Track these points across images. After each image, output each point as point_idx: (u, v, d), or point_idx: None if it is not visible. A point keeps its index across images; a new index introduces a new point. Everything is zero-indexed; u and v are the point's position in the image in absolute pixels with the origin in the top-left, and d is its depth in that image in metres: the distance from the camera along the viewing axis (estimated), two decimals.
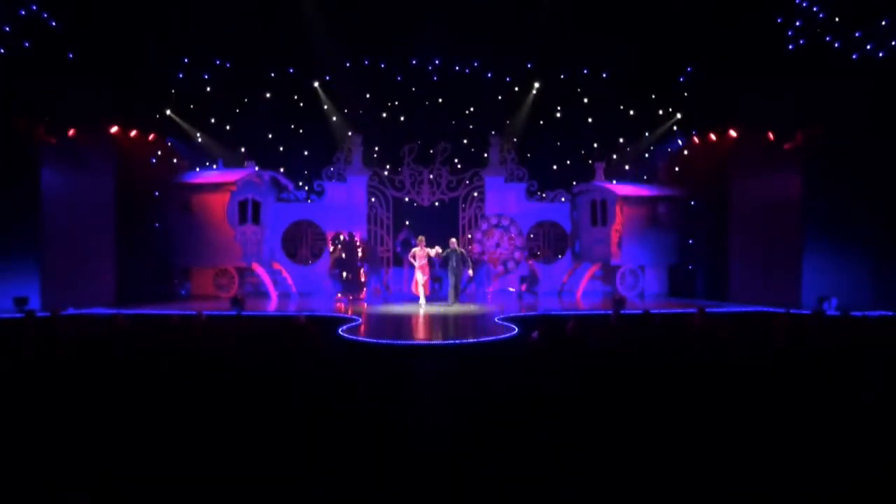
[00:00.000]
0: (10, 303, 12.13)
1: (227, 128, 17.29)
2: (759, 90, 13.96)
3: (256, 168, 16.98)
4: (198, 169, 17.13)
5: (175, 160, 16.61)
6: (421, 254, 14.61)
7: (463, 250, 15.06)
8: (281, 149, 17.94)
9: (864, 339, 7.45)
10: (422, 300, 14.41)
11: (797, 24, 13.12)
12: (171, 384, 5.34)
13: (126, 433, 4.35)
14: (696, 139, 16.64)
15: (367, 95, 17.89)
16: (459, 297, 14.91)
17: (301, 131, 18.07)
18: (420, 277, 14.52)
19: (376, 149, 18.63)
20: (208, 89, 16.77)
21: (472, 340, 9.37)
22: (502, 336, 9.75)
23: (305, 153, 18.18)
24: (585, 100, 17.77)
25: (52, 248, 13.16)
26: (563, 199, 18.77)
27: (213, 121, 17.29)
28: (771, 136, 14.05)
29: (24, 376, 5.63)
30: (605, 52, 16.36)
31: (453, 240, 15.06)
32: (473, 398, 6.04)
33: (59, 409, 4.70)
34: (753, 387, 5.32)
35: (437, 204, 18.76)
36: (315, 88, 17.66)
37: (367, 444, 4.57)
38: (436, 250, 14.70)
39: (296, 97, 17.65)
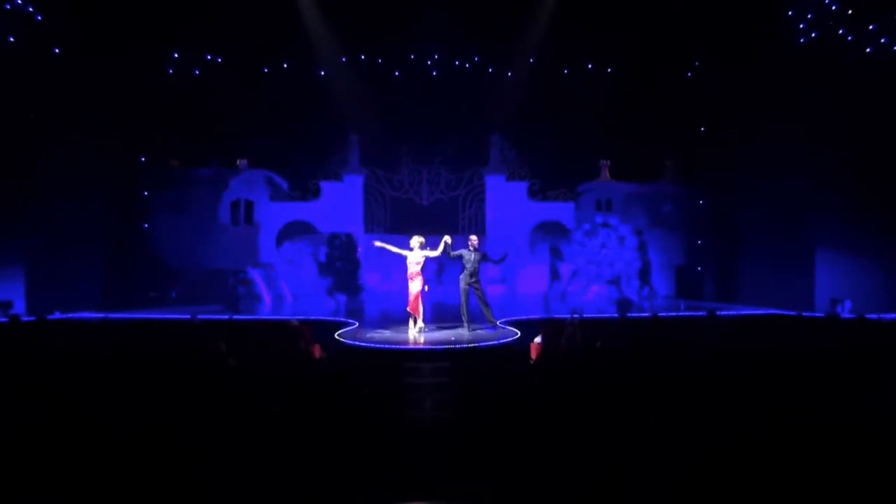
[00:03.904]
0: None
1: (219, 125, 17.24)
2: (770, 85, 13.95)
3: (249, 167, 16.96)
4: (189, 168, 17.13)
5: (165, 159, 16.60)
6: (414, 258, 10.70)
7: (485, 252, 11.36)
8: (275, 147, 17.91)
9: (880, 343, 7.42)
10: (415, 322, 10.73)
11: (808, 16, 13.10)
12: (163, 389, 5.32)
13: (114, 440, 4.34)
14: (704, 136, 16.63)
15: (364, 92, 17.85)
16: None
17: (296, 129, 18.03)
18: (413, 290, 10.66)
19: (374, 146, 18.62)
20: (199, 85, 16.74)
21: (472, 345, 9.34)
22: (503, 340, 9.72)
23: (300, 152, 18.14)
24: (590, 95, 17.72)
25: (37, 251, 13.13)
26: (566, 199, 18.74)
27: (204, 118, 17.25)
28: (782, 132, 14.04)
29: (9, 382, 5.60)
30: (611, 47, 16.34)
31: (474, 237, 11.29)
32: (472, 404, 6.02)
33: (45, 415, 4.67)
34: (765, 392, 5.30)
35: (436, 203, 18.77)
36: (310, 85, 17.62)
37: (360, 451, 4.55)
38: (444, 241, 10.78)
39: (290, 94, 17.60)
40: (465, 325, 10.81)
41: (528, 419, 4.95)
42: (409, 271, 10.72)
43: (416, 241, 10.79)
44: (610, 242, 17.45)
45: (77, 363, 6.31)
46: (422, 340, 9.98)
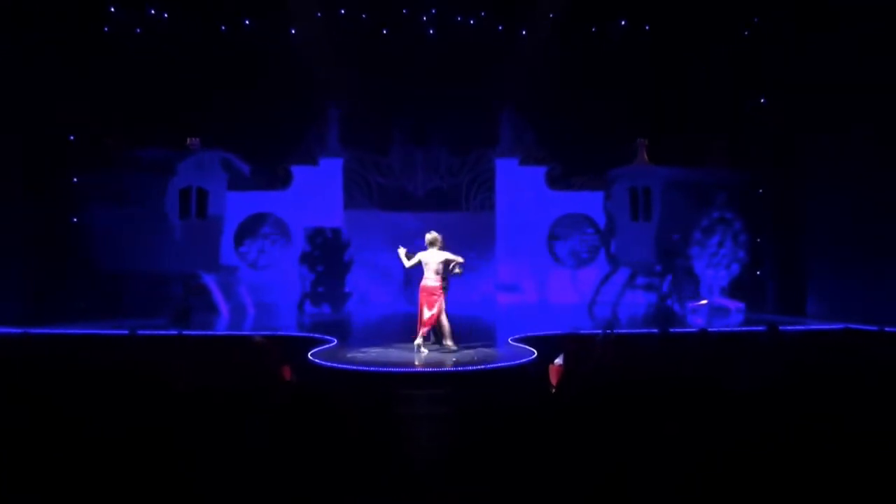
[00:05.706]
0: None
1: (166, 96, 17.21)
2: (844, 46, 13.89)
3: (202, 147, 16.95)
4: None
5: (98, 137, 16.58)
6: (435, 259, 10.55)
7: (454, 256, 10.81)
8: (234, 123, 17.88)
9: None
10: (419, 340, 10.56)
11: None
12: (97, 418, 5.33)
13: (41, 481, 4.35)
14: (763, 109, 16.61)
15: (345, 56, 17.82)
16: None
17: (261, 101, 17.99)
18: (427, 308, 10.51)
19: (357, 122, 18.61)
20: (142, 47, 16.71)
21: (476, 367, 9.34)
22: (515, 362, 9.72)
23: (266, 129, 18.11)
24: (623, 60, 17.68)
25: None
26: (594, 187, 18.74)
27: (147, 87, 17.23)
28: (859, 105, 13.99)
29: None
30: None
31: (433, 234, 10.86)
32: (475, 440, 6.02)
33: None
34: (838, 423, 5.29)
35: (434, 192, 18.79)
36: (278, 47, 17.59)
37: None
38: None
39: (254, 58, 17.56)
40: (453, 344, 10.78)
41: (542, 454, 4.96)
42: (427, 284, 10.58)
43: (433, 238, 10.71)
44: (727, 241, 17.43)
45: None
46: (416, 362, 10.03)
